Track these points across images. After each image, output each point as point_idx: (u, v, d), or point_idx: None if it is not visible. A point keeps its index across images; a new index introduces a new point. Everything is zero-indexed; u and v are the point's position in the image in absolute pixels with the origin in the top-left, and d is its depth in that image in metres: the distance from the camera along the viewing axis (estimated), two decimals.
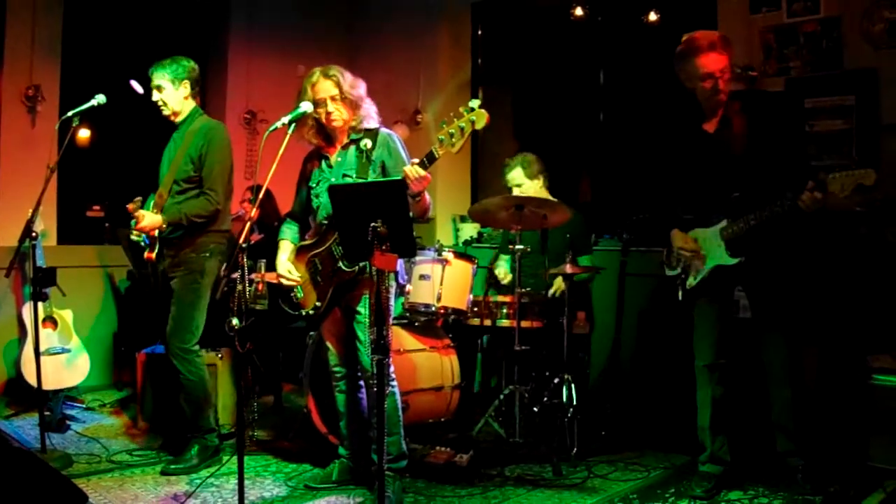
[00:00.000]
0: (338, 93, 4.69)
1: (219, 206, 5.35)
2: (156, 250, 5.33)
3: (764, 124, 4.66)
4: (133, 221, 5.23)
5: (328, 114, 4.70)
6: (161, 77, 5.36)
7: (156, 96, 5.40)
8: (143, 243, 5.41)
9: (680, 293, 4.94)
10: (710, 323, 4.87)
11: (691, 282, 4.86)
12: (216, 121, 5.57)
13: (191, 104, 5.48)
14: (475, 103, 4.14)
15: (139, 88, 5.62)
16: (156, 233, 5.26)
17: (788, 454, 4.79)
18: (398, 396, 4.85)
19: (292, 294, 4.89)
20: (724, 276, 4.75)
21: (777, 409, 4.81)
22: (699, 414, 4.95)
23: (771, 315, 4.78)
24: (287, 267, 4.87)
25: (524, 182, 6.26)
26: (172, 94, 5.39)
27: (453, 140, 4.16)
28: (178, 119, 5.47)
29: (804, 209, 4.27)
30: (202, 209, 5.30)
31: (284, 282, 4.86)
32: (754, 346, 4.93)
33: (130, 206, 5.25)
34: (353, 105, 4.74)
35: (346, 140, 4.82)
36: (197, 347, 5.42)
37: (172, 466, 5.25)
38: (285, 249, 4.95)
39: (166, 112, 5.43)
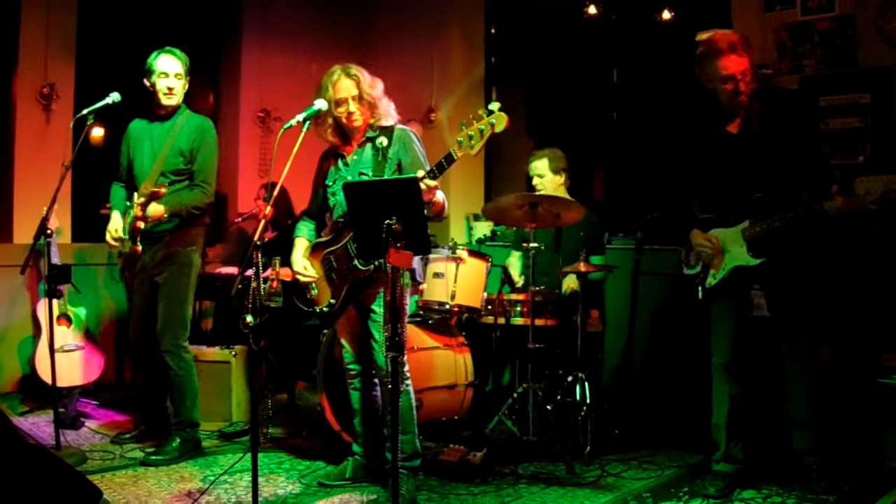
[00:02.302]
0: (358, 93, 4.68)
1: (212, 200, 5.44)
2: (138, 243, 5.32)
3: (783, 123, 4.66)
4: (130, 215, 5.24)
5: (350, 113, 4.69)
6: (183, 66, 5.42)
7: (172, 83, 5.39)
8: (125, 237, 5.41)
9: (700, 292, 4.93)
10: (728, 322, 4.87)
11: (711, 281, 4.85)
12: (203, 116, 5.62)
13: None
14: (495, 106, 4.11)
15: None
16: (141, 225, 5.26)
17: (805, 452, 4.78)
18: (412, 394, 4.86)
19: (307, 291, 4.89)
20: (744, 276, 4.74)
21: (795, 406, 4.80)
22: (714, 412, 4.95)
23: (790, 313, 4.77)
24: (302, 264, 4.87)
25: (546, 174, 6.23)
26: (183, 85, 5.46)
27: (472, 143, 4.14)
28: (164, 111, 5.49)
29: (831, 214, 4.28)
30: (199, 202, 5.38)
31: (300, 279, 4.87)
32: (771, 344, 4.93)
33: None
34: (372, 105, 4.73)
35: (362, 138, 4.82)
36: (187, 343, 5.51)
37: (153, 457, 5.33)
38: (300, 247, 4.95)
39: (171, 101, 5.42)
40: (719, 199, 4.85)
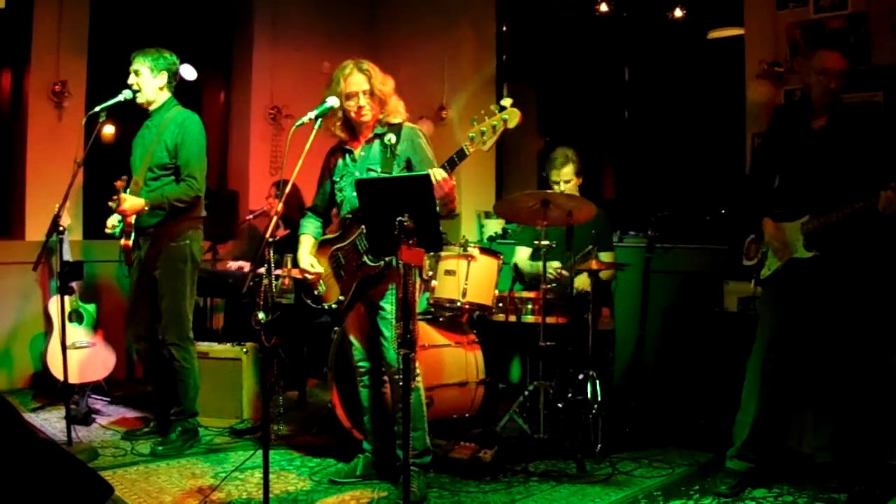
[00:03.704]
0: (369, 87, 4.69)
1: (199, 193, 5.49)
2: (132, 238, 5.37)
3: (871, 135, 4.73)
4: (114, 205, 5.28)
5: (360, 108, 4.70)
6: (141, 63, 5.49)
7: (132, 79, 5.50)
8: (116, 233, 5.45)
9: (752, 282, 4.96)
10: (772, 318, 4.87)
11: (765, 272, 4.86)
12: (190, 110, 5.67)
13: (166, 95, 5.60)
14: (507, 102, 4.11)
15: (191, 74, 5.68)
16: (132, 219, 5.29)
17: (820, 450, 4.77)
18: (423, 392, 4.86)
19: (315, 288, 4.89)
20: (798, 271, 4.74)
21: (821, 405, 4.80)
22: (741, 408, 4.90)
23: (828, 310, 4.77)
24: (309, 260, 4.87)
25: (572, 179, 6.21)
26: (149, 81, 5.51)
27: (484, 138, 4.13)
28: (152, 108, 5.58)
29: (882, 210, 4.29)
30: (183, 194, 5.42)
31: (307, 276, 4.87)
32: (808, 344, 4.89)
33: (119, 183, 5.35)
34: (381, 101, 4.74)
35: (370, 134, 4.82)
36: (192, 335, 5.59)
37: (159, 448, 5.44)
38: (307, 244, 4.96)
39: (140, 99, 5.53)
40: (790, 192, 4.86)
